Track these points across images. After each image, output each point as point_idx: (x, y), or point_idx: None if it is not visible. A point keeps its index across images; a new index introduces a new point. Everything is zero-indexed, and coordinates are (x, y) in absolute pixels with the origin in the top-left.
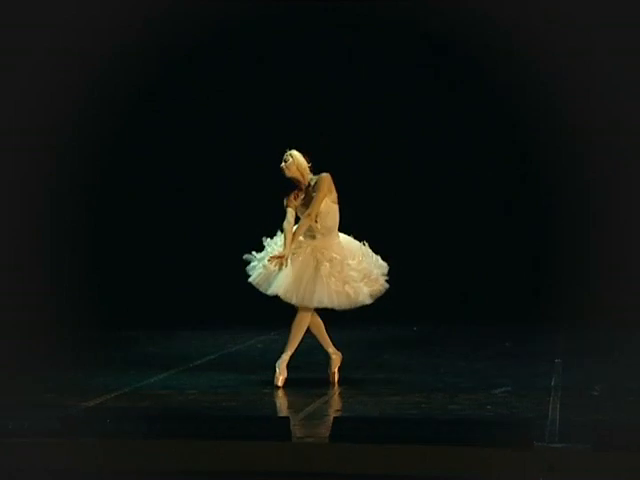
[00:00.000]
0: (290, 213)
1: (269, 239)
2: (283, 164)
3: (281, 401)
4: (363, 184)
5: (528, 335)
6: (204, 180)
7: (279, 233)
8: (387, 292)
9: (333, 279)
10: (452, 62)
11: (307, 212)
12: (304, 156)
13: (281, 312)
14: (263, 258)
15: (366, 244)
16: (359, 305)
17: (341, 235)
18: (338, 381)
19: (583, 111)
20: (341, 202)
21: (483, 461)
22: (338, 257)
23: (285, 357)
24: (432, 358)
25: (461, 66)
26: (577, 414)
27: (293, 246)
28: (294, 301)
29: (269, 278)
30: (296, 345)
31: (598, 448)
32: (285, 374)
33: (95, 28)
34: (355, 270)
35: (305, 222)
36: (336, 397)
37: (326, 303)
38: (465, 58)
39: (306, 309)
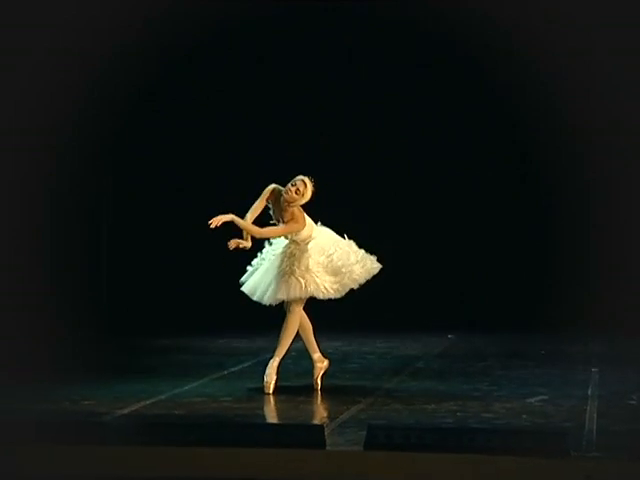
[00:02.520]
0: (262, 198)
1: None
2: (291, 188)
3: (315, 409)
4: (363, 184)
5: (563, 343)
6: (204, 180)
7: None
8: (415, 299)
9: (289, 271)
10: (452, 62)
11: (264, 231)
12: (311, 197)
13: (315, 319)
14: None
15: (352, 243)
16: (310, 296)
17: (322, 229)
18: (321, 389)
19: (583, 111)
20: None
21: (519, 471)
22: (298, 252)
23: (274, 363)
24: (467, 366)
25: (461, 66)
26: (614, 423)
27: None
28: (256, 297)
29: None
30: (285, 350)
31: (635, 458)
32: (274, 380)
33: (95, 28)
34: (318, 264)
35: (254, 231)
36: (370, 405)
37: (280, 297)
38: (465, 58)
39: (293, 312)
